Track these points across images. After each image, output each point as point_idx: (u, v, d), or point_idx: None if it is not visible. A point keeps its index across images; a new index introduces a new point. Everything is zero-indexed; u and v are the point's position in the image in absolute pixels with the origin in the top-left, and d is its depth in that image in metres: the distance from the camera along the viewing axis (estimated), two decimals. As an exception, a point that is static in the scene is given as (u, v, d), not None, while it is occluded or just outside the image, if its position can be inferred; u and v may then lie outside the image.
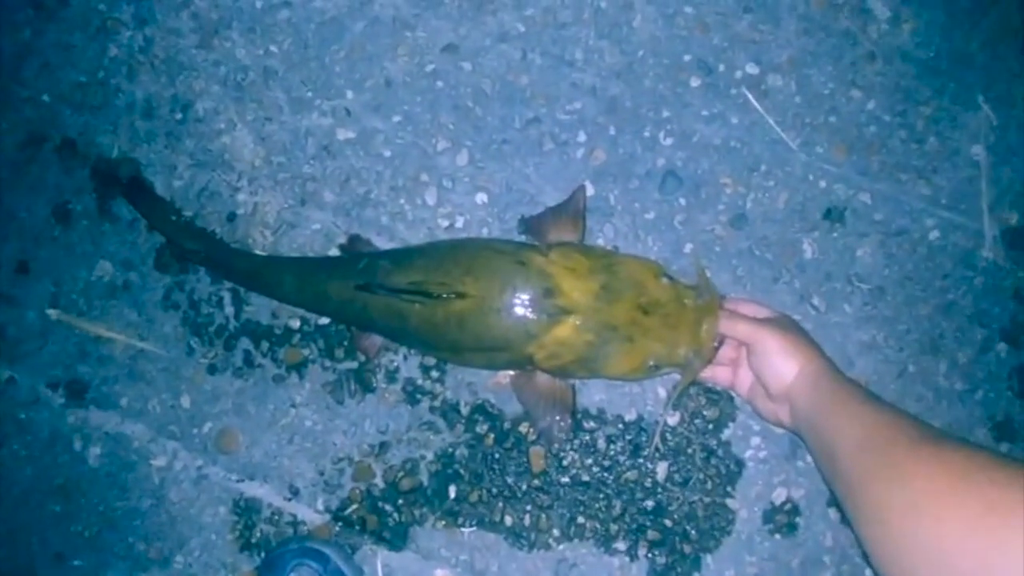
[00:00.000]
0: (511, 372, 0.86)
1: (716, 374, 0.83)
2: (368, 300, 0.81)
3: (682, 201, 0.90)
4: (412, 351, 0.90)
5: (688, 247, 0.89)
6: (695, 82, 0.90)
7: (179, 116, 0.95)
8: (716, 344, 0.77)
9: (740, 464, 0.87)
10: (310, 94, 0.94)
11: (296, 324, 0.92)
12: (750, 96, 0.89)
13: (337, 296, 0.83)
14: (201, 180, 0.95)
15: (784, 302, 0.87)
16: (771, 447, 0.87)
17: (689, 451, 0.88)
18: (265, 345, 0.92)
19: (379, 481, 0.89)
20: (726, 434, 0.87)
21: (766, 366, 0.75)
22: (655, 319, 0.76)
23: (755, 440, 0.87)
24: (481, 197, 0.91)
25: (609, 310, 0.76)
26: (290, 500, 0.90)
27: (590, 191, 0.90)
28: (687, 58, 0.91)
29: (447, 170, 0.91)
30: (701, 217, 0.89)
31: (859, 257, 0.88)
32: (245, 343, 0.92)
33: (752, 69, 0.90)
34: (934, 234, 0.88)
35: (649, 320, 0.76)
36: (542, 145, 0.91)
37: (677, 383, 0.81)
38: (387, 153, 0.92)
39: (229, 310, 0.93)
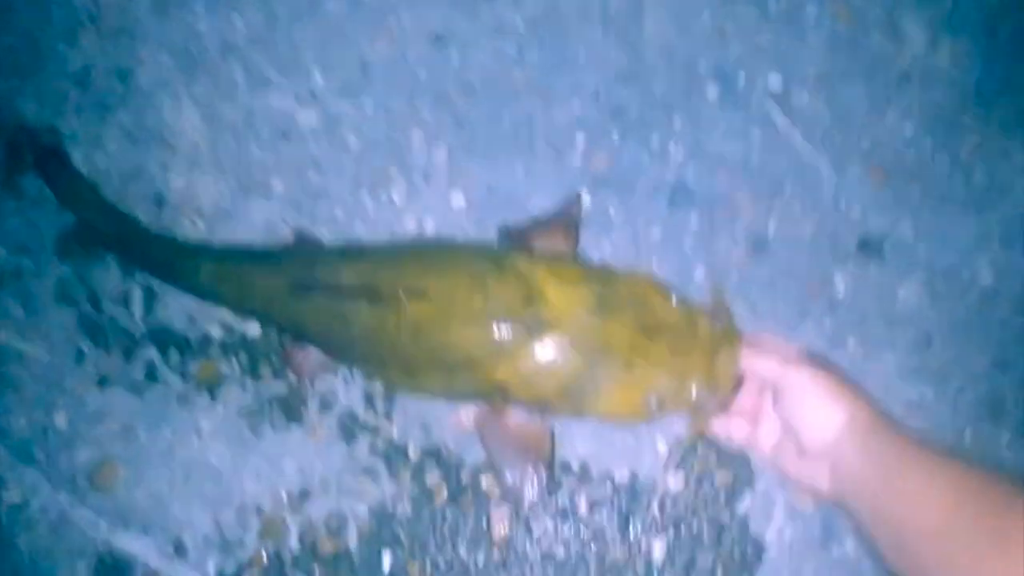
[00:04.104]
0: (475, 409, 0.60)
1: (732, 428, 0.58)
2: (303, 298, 0.55)
3: (693, 220, 0.68)
4: (356, 374, 0.64)
5: (699, 272, 0.66)
6: (712, 93, 0.71)
7: (118, 87, 0.73)
8: (735, 382, 0.52)
9: (759, 548, 0.60)
10: (273, 74, 0.73)
11: (217, 333, 0.66)
12: (774, 111, 0.70)
13: (265, 291, 0.59)
14: (130, 158, 0.72)
15: (813, 345, 0.63)
16: (799, 527, 0.60)
17: (694, 527, 0.60)
18: (175, 356, 0.66)
19: (293, 541, 0.60)
20: (742, 507, 0.61)
21: (801, 414, 0.52)
22: (660, 345, 0.54)
23: (779, 516, 0.61)
24: (458, 199, 0.69)
25: (604, 328, 0.53)
26: (172, 559, 0.60)
27: (587, 201, 0.68)
28: (703, 68, 0.71)
29: (421, 166, 0.69)
30: (716, 240, 0.68)
31: (901, 298, 0.66)
32: (150, 352, 0.66)
33: (776, 84, 0.71)
34: (986, 275, 0.66)
35: (653, 346, 0.53)
36: (533, 147, 0.70)
37: (682, 437, 0.55)
38: (353, 143, 0.70)
39: (137, 310, 0.67)
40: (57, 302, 0.72)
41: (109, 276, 0.73)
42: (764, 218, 0.72)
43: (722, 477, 0.66)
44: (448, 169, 0.73)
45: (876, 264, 0.71)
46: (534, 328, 0.56)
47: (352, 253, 0.62)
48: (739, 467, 0.66)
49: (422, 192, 0.73)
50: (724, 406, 0.58)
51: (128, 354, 0.70)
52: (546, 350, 0.56)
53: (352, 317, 0.58)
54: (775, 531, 0.65)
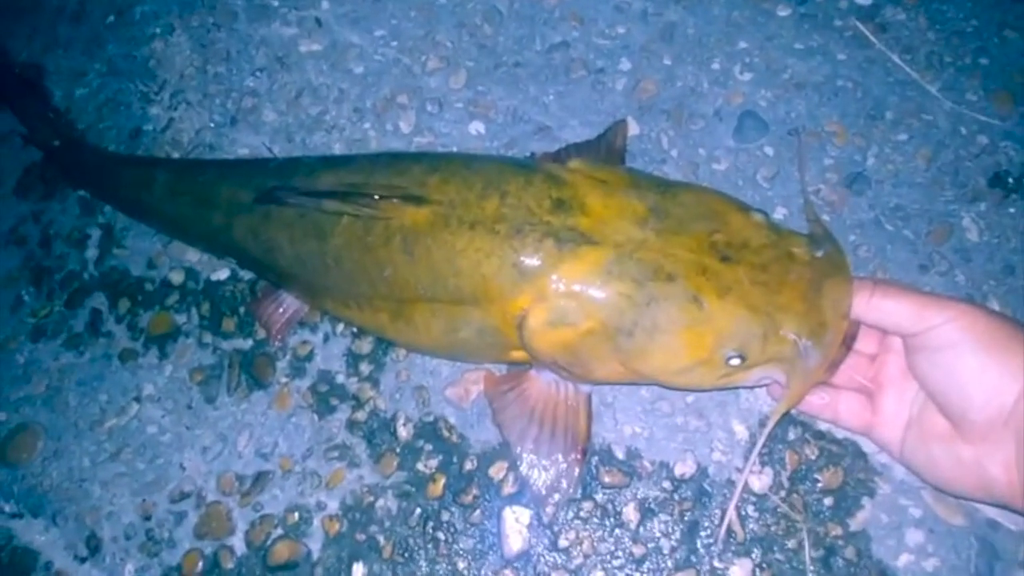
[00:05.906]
0: (486, 372, 0.42)
1: (840, 407, 0.39)
2: (272, 209, 0.40)
3: (768, 150, 0.51)
4: (339, 330, 0.47)
5: (781, 211, 0.48)
6: (783, 11, 0.55)
7: (111, 19, 0.62)
8: (847, 331, 0.33)
9: (890, 580, 0.39)
10: (276, 2, 0.60)
11: (178, 278, 0.51)
12: (863, 28, 0.53)
13: (228, 203, 0.42)
14: (110, 89, 0.60)
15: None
16: (945, 552, 0.39)
17: (789, 546, 0.39)
18: (124, 305, 0.51)
19: (238, 541, 0.42)
20: (859, 519, 0.40)
21: (960, 374, 0.37)
22: (740, 272, 0.35)
23: (914, 535, 0.40)
24: (476, 127, 0.53)
25: (662, 246, 0.36)
26: (83, 561, 0.42)
27: (634, 129, 0.52)
28: (771, -14, 0.56)
29: (435, 92, 0.55)
30: (798, 173, 0.49)
31: (1057, 246, 0.46)
32: (98, 300, 0.51)
33: (863, -1, 0.55)
34: None
35: (731, 271, 0.35)
36: (570, 72, 0.55)
37: (771, 411, 0.36)
38: (358, 69, 0.57)
39: (91, 253, 0.54)
40: (7, 242, 0.58)
41: (67, 216, 0.59)
42: (861, 149, 0.54)
43: (828, 476, 0.44)
44: (466, 95, 0.59)
45: (1017, 203, 0.51)
46: (566, 241, 0.38)
47: (340, 162, 0.47)
48: (852, 462, 0.45)
49: (435, 120, 0.58)
50: (831, 366, 0.38)
51: (72, 302, 0.55)
52: (582, 272, 0.38)
53: (329, 229, 0.42)
54: (909, 556, 0.43)
